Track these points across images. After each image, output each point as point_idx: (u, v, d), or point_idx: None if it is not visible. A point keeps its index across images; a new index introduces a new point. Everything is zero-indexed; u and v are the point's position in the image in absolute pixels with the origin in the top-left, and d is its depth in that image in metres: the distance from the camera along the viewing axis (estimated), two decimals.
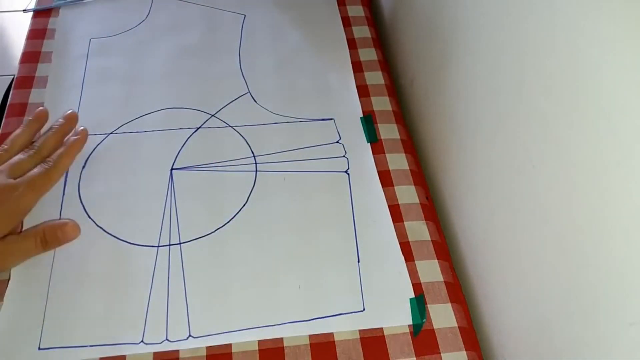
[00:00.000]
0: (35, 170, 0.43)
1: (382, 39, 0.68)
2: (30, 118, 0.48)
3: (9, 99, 0.54)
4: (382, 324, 0.42)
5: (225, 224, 0.47)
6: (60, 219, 0.44)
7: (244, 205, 0.48)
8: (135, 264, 0.44)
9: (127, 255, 0.44)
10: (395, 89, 0.61)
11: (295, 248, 0.46)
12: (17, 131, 0.47)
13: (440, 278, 0.45)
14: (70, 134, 0.48)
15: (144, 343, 0.40)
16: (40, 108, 0.48)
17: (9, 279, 0.42)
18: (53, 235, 0.42)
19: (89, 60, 0.58)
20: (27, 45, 0.59)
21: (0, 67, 1.32)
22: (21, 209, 0.42)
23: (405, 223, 0.48)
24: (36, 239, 0.41)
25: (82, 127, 0.48)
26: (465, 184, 0.48)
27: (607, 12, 0.27)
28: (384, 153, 0.52)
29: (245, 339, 0.41)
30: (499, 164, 0.41)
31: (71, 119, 0.48)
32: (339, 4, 0.66)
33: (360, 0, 0.67)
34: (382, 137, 0.54)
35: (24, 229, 0.43)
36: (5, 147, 0.45)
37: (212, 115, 0.54)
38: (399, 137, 0.54)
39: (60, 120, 0.48)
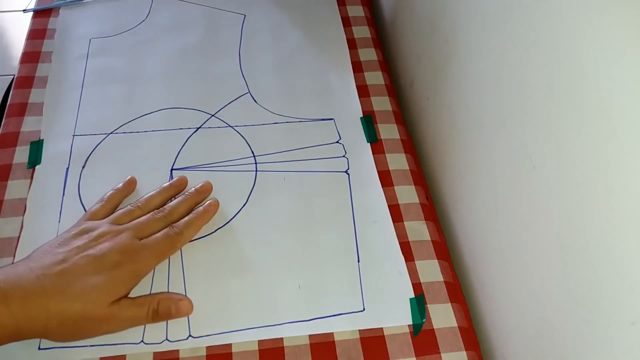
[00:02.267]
0: (160, 236, 0.42)
1: (382, 39, 0.68)
2: (169, 183, 0.47)
3: (9, 99, 0.54)
4: (382, 324, 0.42)
5: (225, 224, 0.47)
6: (173, 292, 0.43)
7: (244, 205, 0.48)
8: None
9: None
10: (395, 89, 0.61)
11: (295, 248, 0.46)
12: (153, 192, 0.46)
13: (440, 278, 0.45)
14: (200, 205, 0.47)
15: (144, 343, 0.40)
16: (182, 176, 0.48)
17: None
18: (167, 309, 0.41)
19: (89, 60, 0.58)
20: (27, 45, 0.59)
21: (0, 67, 1.32)
22: (140, 272, 0.41)
23: (405, 223, 0.48)
24: (149, 309, 0.40)
25: (212, 199, 0.47)
26: (466, 184, 0.48)
27: (609, 12, 0.27)
28: (384, 153, 0.52)
29: (245, 339, 0.41)
30: (499, 164, 0.41)
31: (204, 191, 0.47)
32: (339, 4, 0.66)
33: (360, 0, 0.67)
34: (382, 137, 0.54)
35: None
36: (139, 204, 0.44)
37: (212, 115, 0.54)
38: (399, 137, 0.54)
39: (193, 190, 0.47)
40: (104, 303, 0.38)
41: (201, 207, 0.46)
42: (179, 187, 0.48)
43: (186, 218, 0.44)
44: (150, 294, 0.42)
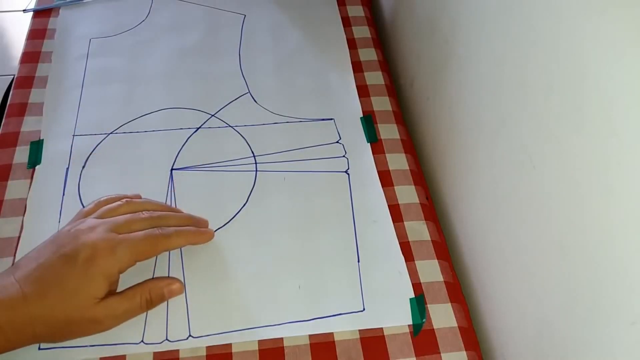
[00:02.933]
0: (142, 233, 0.39)
1: (382, 39, 0.68)
2: (167, 205, 0.46)
3: (9, 99, 0.54)
4: (382, 324, 0.42)
5: (225, 224, 0.47)
6: (160, 277, 0.43)
7: (244, 205, 0.48)
8: (135, 264, 0.43)
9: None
10: (395, 89, 0.61)
11: (295, 248, 0.46)
12: (148, 199, 0.45)
13: (440, 278, 0.45)
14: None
15: (144, 343, 0.40)
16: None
17: None
18: (159, 295, 0.40)
19: (89, 60, 0.58)
20: (27, 45, 0.59)
21: (0, 67, 1.32)
22: (115, 268, 0.38)
23: (405, 223, 0.48)
24: (141, 299, 0.39)
25: (210, 229, 0.45)
26: (466, 184, 0.48)
27: (609, 12, 0.27)
28: (384, 153, 0.52)
29: (245, 339, 0.41)
30: (499, 164, 0.41)
31: (202, 222, 0.45)
32: (339, 4, 0.66)
33: (360, 0, 0.67)
34: (382, 137, 0.54)
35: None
36: (128, 202, 0.42)
37: (212, 115, 0.54)
38: (399, 137, 0.54)
39: (190, 214, 0.45)
40: (88, 305, 0.37)
41: (195, 228, 0.44)
42: (175, 209, 0.46)
43: (179, 227, 0.42)
44: (137, 283, 0.41)
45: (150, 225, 0.41)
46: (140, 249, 0.39)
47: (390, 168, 0.51)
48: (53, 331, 0.37)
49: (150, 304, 0.40)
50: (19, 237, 0.45)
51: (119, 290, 0.40)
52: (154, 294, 0.40)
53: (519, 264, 0.39)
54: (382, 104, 0.57)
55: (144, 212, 0.42)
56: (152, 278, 0.42)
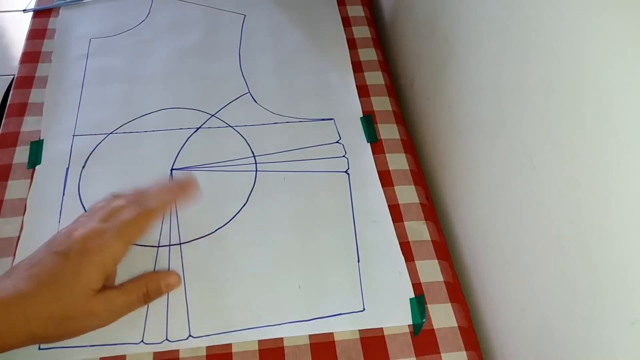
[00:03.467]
0: (125, 215, 0.39)
1: (382, 39, 0.68)
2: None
3: (9, 99, 0.54)
4: (382, 324, 0.42)
5: (226, 224, 0.47)
6: (158, 270, 0.43)
7: (244, 205, 0.48)
8: (135, 264, 0.43)
9: (127, 256, 0.44)
10: (395, 89, 0.61)
11: (295, 248, 0.46)
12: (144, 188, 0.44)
13: (440, 278, 0.45)
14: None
15: (144, 343, 0.40)
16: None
17: None
18: (156, 289, 0.40)
19: (89, 60, 0.58)
20: (27, 45, 0.59)
21: (0, 67, 1.32)
22: (107, 257, 0.38)
23: (405, 223, 0.48)
24: (139, 293, 0.39)
25: (193, 181, 0.44)
26: (466, 184, 0.48)
27: (609, 12, 0.27)
28: (384, 153, 0.52)
29: (245, 339, 0.41)
30: (499, 164, 0.41)
31: (187, 184, 0.44)
32: (339, 4, 0.66)
33: (360, 0, 0.67)
34: (382, 137, 0.54)
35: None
36: (120, 194, 0.42)
37: (212, 115, 0.54)
38: (399, 137, 0.54)
39: (173, 182, 0.44)
40: (85, 298, 0.37)
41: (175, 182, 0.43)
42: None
43: (154, 194, 0.42)
44: (135, 277, 0.40)
45: (136, 206, 0.41)
46: (128, 231, 0.39)
47: (390, 168, 0.51)
48: (50, 329, 0.37)
49: (147, 297, 0.40)
50: (18, 237, 0.45)
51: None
52: (151, 287, 0.40)
53: (519, 264, 0.39)
54: (382, 104, 0.57)
55: (128, 195, 0.42)
56: (149, 272, 0.42)
